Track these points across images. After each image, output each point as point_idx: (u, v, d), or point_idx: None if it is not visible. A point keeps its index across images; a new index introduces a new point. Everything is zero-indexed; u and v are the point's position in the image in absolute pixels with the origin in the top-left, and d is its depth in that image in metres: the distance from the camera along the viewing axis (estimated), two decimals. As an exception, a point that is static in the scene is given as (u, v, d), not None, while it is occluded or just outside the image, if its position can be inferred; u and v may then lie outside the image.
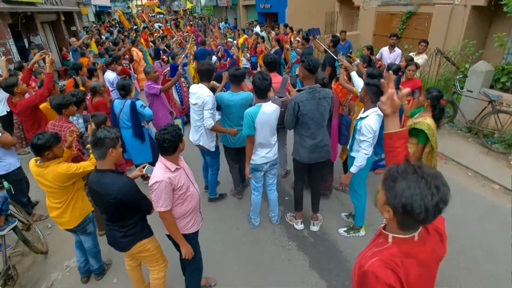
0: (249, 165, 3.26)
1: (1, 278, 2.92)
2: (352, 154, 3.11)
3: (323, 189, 3.94)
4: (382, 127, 3.11)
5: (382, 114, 2.89)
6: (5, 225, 3.16)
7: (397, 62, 5.70)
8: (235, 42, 8.55)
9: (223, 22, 18.32)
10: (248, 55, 9.15)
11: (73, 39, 10.27)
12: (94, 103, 4.35)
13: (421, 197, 1.08)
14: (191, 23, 20.10)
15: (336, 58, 4.04)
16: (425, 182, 1.09)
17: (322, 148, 3.16)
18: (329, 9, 13.86)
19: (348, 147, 3.25)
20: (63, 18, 13.55)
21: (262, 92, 3.01)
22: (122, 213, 2.25)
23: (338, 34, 7.26)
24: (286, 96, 3.52)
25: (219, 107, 3.58)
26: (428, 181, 1.10)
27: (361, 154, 2.89)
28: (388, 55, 6.29)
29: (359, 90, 3.26)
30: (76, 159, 3.28)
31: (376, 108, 2.86)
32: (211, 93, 3.43)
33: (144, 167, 2.48)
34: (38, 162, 2.58)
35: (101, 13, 25.40)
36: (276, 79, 3.78)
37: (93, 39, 12.43)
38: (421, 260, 1.22)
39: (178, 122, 5.17)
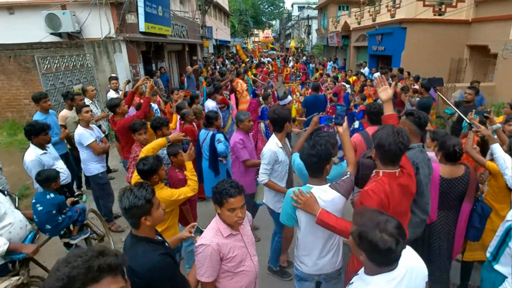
0: (295, 271, 2.33)
1: None
2: (497, 267, 2.08)
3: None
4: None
5: None
6: (78, 235, 3.23)
7: None
8: (348, 86, 7.64)
9: (331, 62, 18.07)
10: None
11: (188, 67, 11.44)
12: (183, 129, 4.37)
13: (387, 136, 1.83)
14: (299, 60, 20.52)
15: (464, 118, 3.02)
16: (392, 131, 1.85)
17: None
18: (455, 55, 12.12)
19: (488, 254, 2.21)
20: (187, 49, 15.47)
21: (315, 164, 2.01)
22: None
23: (469, 85, 5.99)
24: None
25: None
26: (394, 130, 1.85)
27: None
28: None
29: (505, 171, 2.29)
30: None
31: None
32: (273, 147, 2.88)
33: (193, 227, 2.07)
34: None
35: (221, 46, 28.46)
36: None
37: (208, 68, 13.81)
38: (400, 184, 1.90)
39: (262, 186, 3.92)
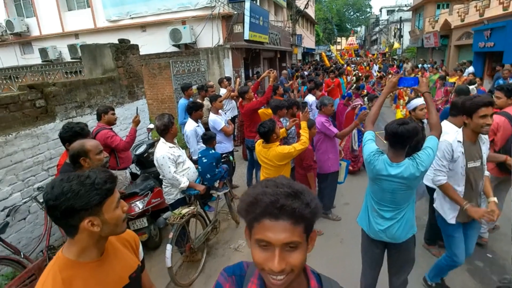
0: None
1: (211, 225, 3.81)
2: None
3: None
4: None
5: None
6: (222, 188, 4.11)
7: None
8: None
9: (425, 64, 16.99)
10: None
11: (284, 71, 12.38)
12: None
13: None
14: (390, 63, 19.89)
15: None
16: None
17: None
18: None
19: None
20: (278, 56, 16.58)
21: None
22: None
23: None
24: None
25: None
26: None
27: None
28: None
29: None
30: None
31: None
32: (450, 138, 2.56)
33: None
34: (263, 143, 3.34)
35: (306, 54, 29.20)
36: None
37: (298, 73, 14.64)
38: None
39: (343, 166, 4.44)
